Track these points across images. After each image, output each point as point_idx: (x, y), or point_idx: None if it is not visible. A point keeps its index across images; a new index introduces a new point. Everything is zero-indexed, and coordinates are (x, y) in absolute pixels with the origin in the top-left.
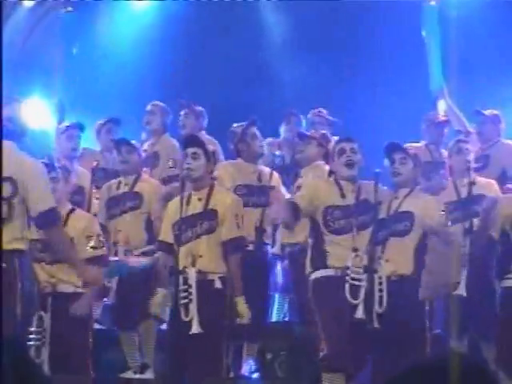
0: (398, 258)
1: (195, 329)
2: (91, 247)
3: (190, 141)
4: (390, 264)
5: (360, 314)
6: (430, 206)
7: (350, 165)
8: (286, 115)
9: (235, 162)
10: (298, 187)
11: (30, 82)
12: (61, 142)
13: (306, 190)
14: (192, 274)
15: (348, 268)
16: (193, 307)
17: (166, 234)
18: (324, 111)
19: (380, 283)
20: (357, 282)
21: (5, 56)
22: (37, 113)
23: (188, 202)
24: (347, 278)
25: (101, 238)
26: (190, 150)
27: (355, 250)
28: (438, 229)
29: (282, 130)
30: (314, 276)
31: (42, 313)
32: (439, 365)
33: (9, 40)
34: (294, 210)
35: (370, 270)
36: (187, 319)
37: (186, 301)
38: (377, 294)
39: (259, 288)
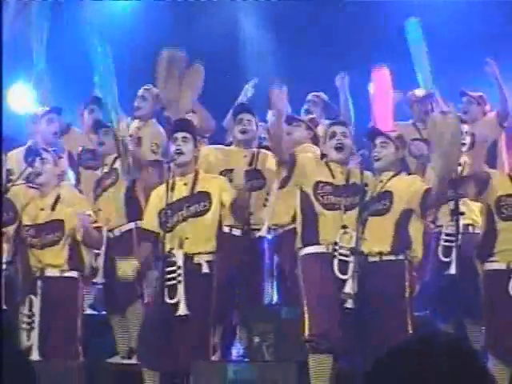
0: (375, 236)
1: (182, 310)
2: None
3: (181, 125)
4: (368, 242)
5: (348, 288)
6: (413, 186)
7: (339, 148)
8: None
9: (224, 147)
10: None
11: (13, 67)
12: (41, 126)
13: (301, 157)
14: (179, 256)
15: (336, 244)
16: (180, 289)
17: (150, 222)
18: (324, 96)
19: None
20: (345, 258)
21: None
22: (21, 98)
23: (172, 189)
24: (335, 253)
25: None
26: (181, 134)
27: (344, 227)
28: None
29: (269, 114)
30: (304, 252)
31: (32, 296)
32: (424, 345)
33: None
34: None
35: (356, 251)
36: (173, 301)
37: (174, 282)
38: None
39: (250, 272)
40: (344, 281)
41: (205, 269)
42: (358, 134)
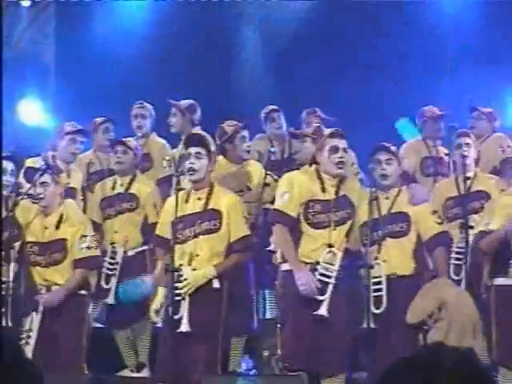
0: (396, 259)
1: (184, 327)
2: (85, 247)
3: (194, 140)
4: (387, 265)
5: (323, 311)
6: (424, 216)
7: (341, 164)
8: (266, 113)
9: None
10: None
11: (24, 82)
12: (62, 143)
13: (291, 190)
14: (188, 273)
15: (318, 263)
16: (184, 305)
17: (164, 229)
18: (319, 111)
19: (378, 283)
20: (325, 279)
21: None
22: (31, 113)
23: (187, 201)
24: (316, 273)
25: (94, 239)
26: (194, 150)
27: (330, 245)
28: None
29: (268, 128)
30: (283, 268)
31: (34, 314)
32: (432, 357)
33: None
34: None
35: (366, 267)
36: (177, 317)
37: (179, 298)
38: (372, 294)
39: (245, 284)
40: (320, 302)
41: (215, 284)
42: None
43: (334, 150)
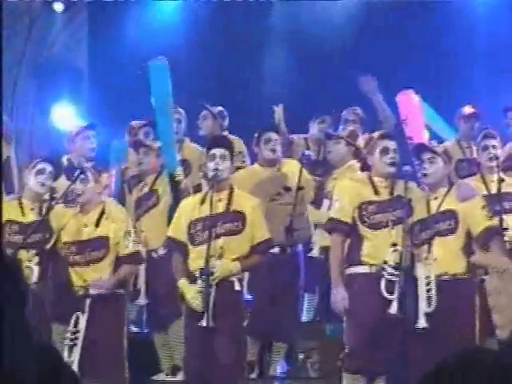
0: (445, 258)
1: (205, 322)
2: (132, 243)
3: (219, 141)
4: (438, 264)
5: (394, 309)
6: (473, 211)
7: (393, 164)
8: (321, 114)
9: (249, 169)
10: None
11: (57, 87)
12: (76, 144)
13: (342, 197)
14: (217, 264)
15: (386, 263)
16: (210, 301)
17: (177, 232)
18: (358, 109)
19: (428, 283)
20: (393, 278)
21: (32, 60)
22: (64, 118)
23: (202, 203)
24: (384, 272)
25: (137, 234)
26: (219, 151)
27: (394, 244)
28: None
29: (314, 127)
30: (346, 272)
31: (80, 314)
32: (470, 361)
33: (36, 43)
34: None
35: (410, 268)
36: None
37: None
38: (424, 294)
39: (288, 288)
40: (390, 301)
41: (237, 286)
42: None
43: (385, 151)
